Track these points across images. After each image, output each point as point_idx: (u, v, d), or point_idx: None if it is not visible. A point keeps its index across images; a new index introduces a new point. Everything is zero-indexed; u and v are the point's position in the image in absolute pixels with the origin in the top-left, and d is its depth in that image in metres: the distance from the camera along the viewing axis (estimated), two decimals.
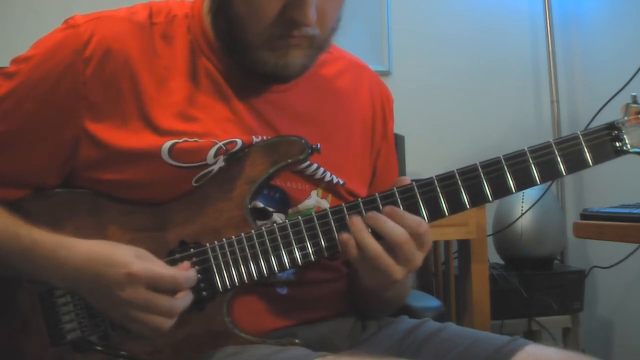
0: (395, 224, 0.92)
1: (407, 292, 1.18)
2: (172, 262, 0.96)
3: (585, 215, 1.58)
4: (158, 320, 0.90)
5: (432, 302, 1.46)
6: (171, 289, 0.90)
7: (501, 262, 2.51)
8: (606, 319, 2.62)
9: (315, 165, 1.05)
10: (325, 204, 1.07)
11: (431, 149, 2.63)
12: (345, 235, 0.94)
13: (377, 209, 0.96)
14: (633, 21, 2.46)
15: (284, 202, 1.05)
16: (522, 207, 2.40)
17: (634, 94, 1.03)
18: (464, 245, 2.06)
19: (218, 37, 1.02)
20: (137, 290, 0.88)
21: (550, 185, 2.50)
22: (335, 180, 1.07)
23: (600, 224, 1.51)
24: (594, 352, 2.44)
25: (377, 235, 0.93)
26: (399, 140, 2.05)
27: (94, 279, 0.90)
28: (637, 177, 2.04)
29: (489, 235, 2.26)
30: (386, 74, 2.64)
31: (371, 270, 0.94)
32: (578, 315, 2.41)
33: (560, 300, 2.37)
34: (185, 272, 0.92)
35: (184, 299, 0.91)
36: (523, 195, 2.41)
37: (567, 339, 2.43)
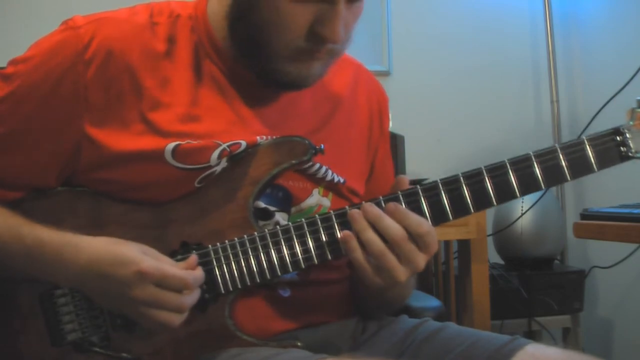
0: (394, 222, 0.91)
1: (409, 291, 1.16)
2: None
3: (585, 216, 1.57)
4: (168, 317, 0.89)
5: (432, 302, 1.46)
6: (179, 289, 0.89)
7: (501, 262, 2.51)
8: (606, 319, 2.62)
9: (317, 165, 1.05)
10: (327, 202, 1.07)
11: (431, 149, 2.63)
12: (346, 232, 0.93)
13: None
14: (633, 21, 2.46)
15: (287, 201, 1.04)
16: (522, 207, 2.40)
17: (639, 98, 1.02)
18: (464, 245, 2.06)
19: (235, 43, 1.00)
20: (146, 288, 0.87)
21: None
22: (336, 179, 1.07)
23: (600, 224, 1.51)
24: (594, 352, 2.44)
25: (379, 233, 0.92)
26: (399, 140, 2.05)
27: (101, 279, 0.89)
28: (637, 177, 2.04)
29: (489, 235, 2.26)
30: (386, 74, 2.64)
31: (374, 270, 0.93)
32: (578, 315, 2.42)
33: (560, 300, 2.37)
34: (194, 273, 0.91)
35: (192, 296, 0.91)
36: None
37: (567, 339, 2.43)
